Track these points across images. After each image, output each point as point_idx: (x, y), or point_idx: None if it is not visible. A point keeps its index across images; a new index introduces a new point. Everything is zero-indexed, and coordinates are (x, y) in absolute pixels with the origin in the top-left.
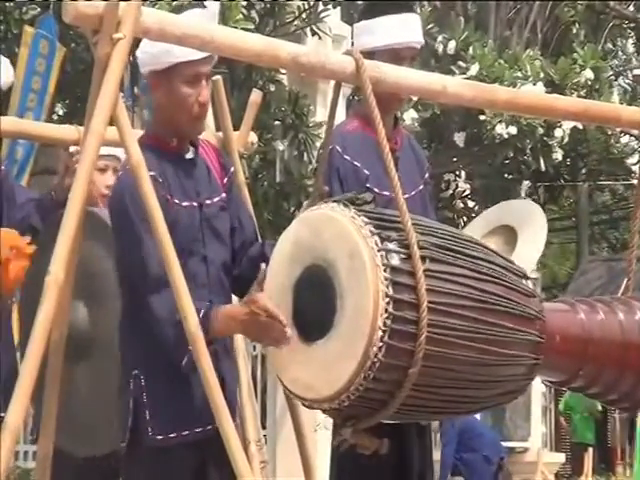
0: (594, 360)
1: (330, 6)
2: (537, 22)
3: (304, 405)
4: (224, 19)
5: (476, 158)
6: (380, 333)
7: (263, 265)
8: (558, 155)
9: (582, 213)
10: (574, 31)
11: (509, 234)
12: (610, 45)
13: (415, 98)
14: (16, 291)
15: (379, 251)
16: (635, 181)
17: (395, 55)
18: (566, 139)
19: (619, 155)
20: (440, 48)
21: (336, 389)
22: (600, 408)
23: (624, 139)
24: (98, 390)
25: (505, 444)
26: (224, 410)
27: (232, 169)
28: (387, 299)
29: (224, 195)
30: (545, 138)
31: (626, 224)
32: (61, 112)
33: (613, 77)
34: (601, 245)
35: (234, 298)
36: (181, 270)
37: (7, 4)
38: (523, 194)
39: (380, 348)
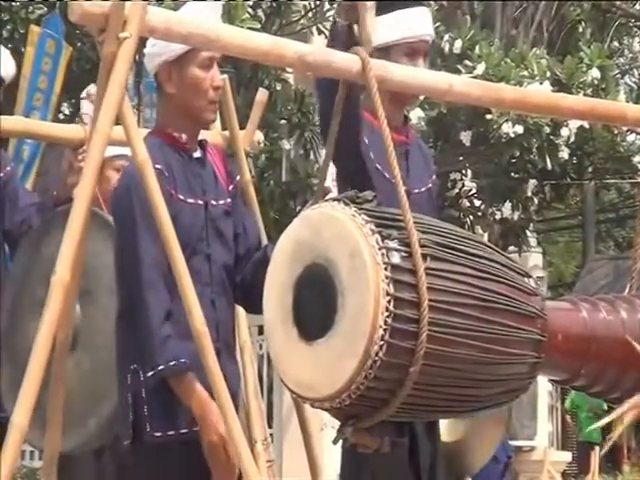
0: (596, 358)
1: (336, 5)
2: (543, 21)
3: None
4: (230, 18)
5: (482, 157)
6: (381, 332)
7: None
8: (564, 154)
9: (588, 211)
10: (580, 30)
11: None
12: (616, 44)
13: (421, 97)
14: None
15: (380, 249)
16: None
17: (410, 49)
18: (572, 138)
19: (625, 153)
20: (446, 47)
21: (337, 388)
22: (605, 407)
23: (630, 137)
24: (83, 383)
25: (511, 443)
26: (230, 408)
27: (238, 177)
28: (388, 297)
29: (229, 201)
30: (551, 137)
31: (632, 222)
32: (67, 111)
33: (619, 76)
34: (607, 243)
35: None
36: (186, 265)
37: (13, 4)
38: (529, 193)
39: (381, 347)
